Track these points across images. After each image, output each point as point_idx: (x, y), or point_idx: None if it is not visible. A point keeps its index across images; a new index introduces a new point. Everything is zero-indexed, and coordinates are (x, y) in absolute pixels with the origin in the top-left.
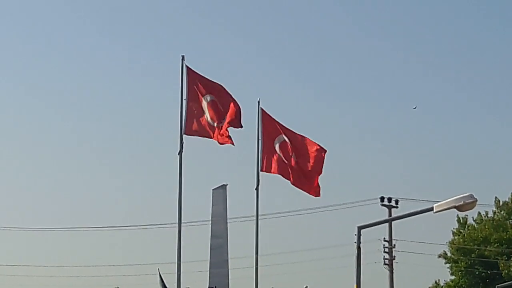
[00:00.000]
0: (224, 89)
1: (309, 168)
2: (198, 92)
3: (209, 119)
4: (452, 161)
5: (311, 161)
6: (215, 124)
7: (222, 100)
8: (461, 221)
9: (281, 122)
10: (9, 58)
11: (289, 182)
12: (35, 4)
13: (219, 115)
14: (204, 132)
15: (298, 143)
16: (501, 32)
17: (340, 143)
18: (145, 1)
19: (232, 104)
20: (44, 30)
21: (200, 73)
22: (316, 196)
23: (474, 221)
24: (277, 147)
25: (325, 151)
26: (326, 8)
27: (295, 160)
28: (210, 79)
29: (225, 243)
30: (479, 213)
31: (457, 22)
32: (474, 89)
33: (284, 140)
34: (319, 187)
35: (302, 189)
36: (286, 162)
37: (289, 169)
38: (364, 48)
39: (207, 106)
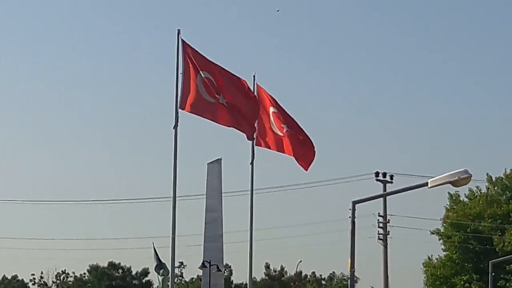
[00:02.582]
0: (227, 71)
1: (302, 140)
2: (195, 67)
3: (205, 95)
4: (446, 138)
5: (302, 136)
6: (212, 100)
7: (226, 82)
8: (453, 197)
9: (274, 97)
10: (5, 34)
11: (287, 156)
12: None
13: (217, 90)
14: (199, 109)
15: (289, 118)
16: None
17: (335, 119)
18: None
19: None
20: (36, 4)
21: (197, 49)
22: (306, 169)
23: (466, 197)
24: (272, 121)
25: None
26: None
27: (287, 130)
28: (209, 58)
29: (220, 217)
30: (470, 189)
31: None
32: (468, 64)
33: (275, 111)
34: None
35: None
36: (280, 134)
37: (283, 140)
38: (358, 23)
39: (203, 82)
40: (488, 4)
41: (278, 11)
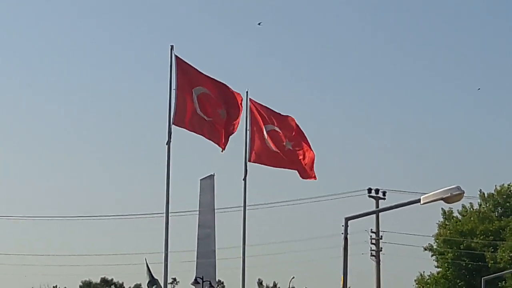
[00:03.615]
0: (222, 83)
1: (306, 155)
2: (188, 83)
3: (198, 111)
4: (439, 154)
5: (305, 149)
6: (206, 118)
7: (221, 95)
8: (446, 213)
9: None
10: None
11: (282, 170)
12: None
13: (212, 108)
14: (194, 126)
15: (290, 130)
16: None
17: (328, 135)
18: None
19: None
20: (34, 19)
21: (191, 64)
22: (314, 179)
23: (459, 213)
24: (266, 136)
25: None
26: None
27: (290, 147)
28: (203, 72)
29: (213, 233)
30: (463, 205)
31: (447, 14)
32: (461, 80)
33: (274, 129)
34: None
35: (298, 170)
36: (278, 151)
37: (282, 157)
38: (354, 39)
39: (197, 98)
40: (483, 15)
41: (259, 24)
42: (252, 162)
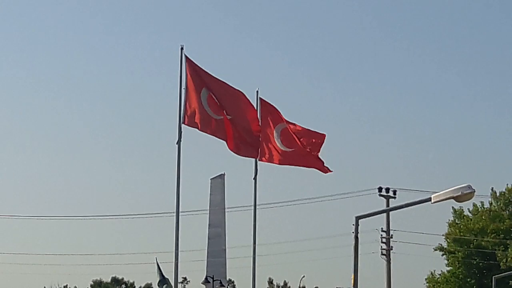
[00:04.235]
0: (228, 85)
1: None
2: (198, 83)
3: (208, 110)
4: (450, 152)
5: (315, 147)
6: (215, 116)
7: (226, 95)
8: (457, 212)
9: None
10: (10, 46)
11: (292, 169)
12: None
13: (219, 106)
14: (204, 126)
15: (298, 131)
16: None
17: (338, 133)
18: None
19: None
20: (43, 18)
21: (199, 65)
22: (327, 172)
23: (470, 212)
24: (276, 136)
25: (324, 135)
26: None
27: (301, 144)
28: (211, 73)
29: (223, 233)
30: (474, 204)
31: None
32: (471, 78)
33: (285, 127)
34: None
35: (314, 167)
36: (290, 150)
37: (296, 154)
38: (364, 36)
39: (207, 98)
40: (492, 11)
41: None
42: (263, 161)
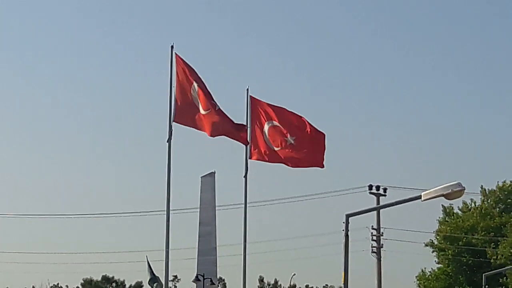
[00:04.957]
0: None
1: (310, 145)
2: (187, 81)
3: (200, 108)
4: (440, 150)
5: (310, 139)
6: (204, 112)
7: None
8: (446, 210)
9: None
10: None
11: (283, 167)
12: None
13: (209, 101)
14: (194, 123)
15: (293, 123)
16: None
17: (329, 131)
18: None
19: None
20: (33, 16)
21: (189, 63)
22: (322, 167)
23: (460, 209)
24: (267, 133)
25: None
26: None
27: (292, 142)
28: (199, 71)
29: (213, 231)
30: (464, 202)
31: (449, 12)
32: (462, 76)
33: (274, 125)
34: (323, 159)
35: (305, 166)
36: (278, 148)
37: (282, 154)
38: (356, 36)
39: (197, 93)
40: (484, 13)
41: None
42: (253, 159)
